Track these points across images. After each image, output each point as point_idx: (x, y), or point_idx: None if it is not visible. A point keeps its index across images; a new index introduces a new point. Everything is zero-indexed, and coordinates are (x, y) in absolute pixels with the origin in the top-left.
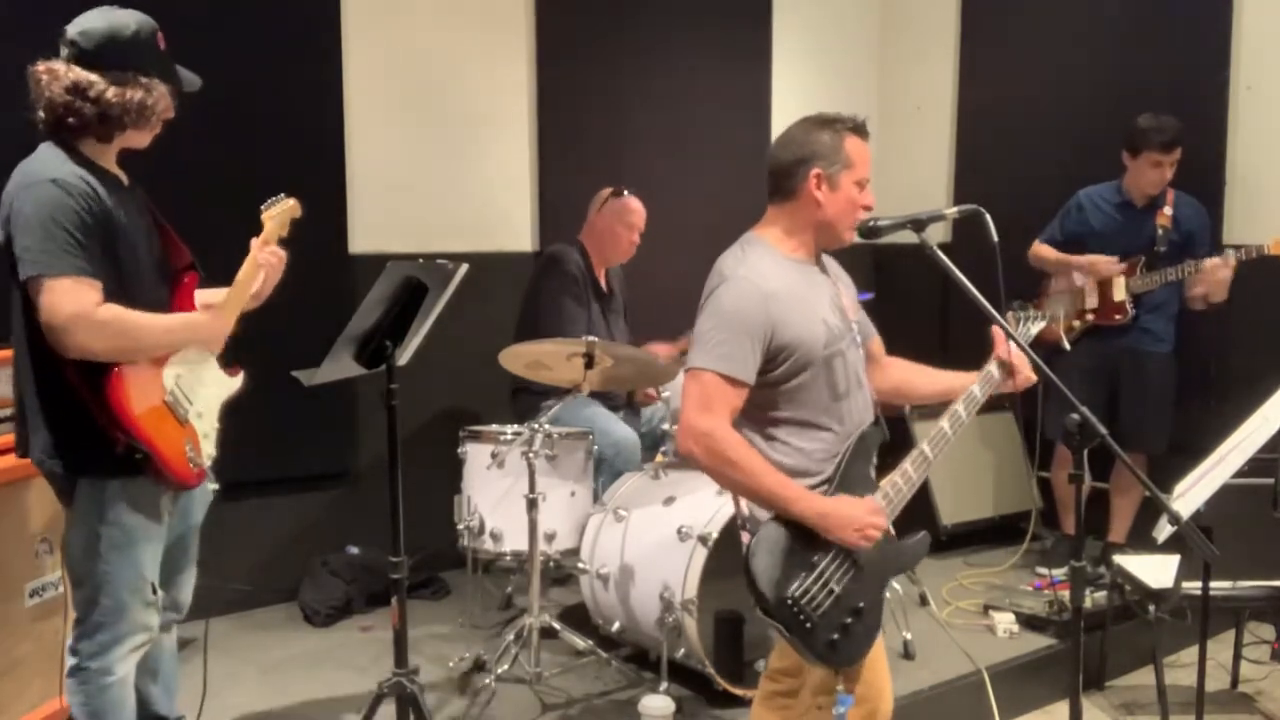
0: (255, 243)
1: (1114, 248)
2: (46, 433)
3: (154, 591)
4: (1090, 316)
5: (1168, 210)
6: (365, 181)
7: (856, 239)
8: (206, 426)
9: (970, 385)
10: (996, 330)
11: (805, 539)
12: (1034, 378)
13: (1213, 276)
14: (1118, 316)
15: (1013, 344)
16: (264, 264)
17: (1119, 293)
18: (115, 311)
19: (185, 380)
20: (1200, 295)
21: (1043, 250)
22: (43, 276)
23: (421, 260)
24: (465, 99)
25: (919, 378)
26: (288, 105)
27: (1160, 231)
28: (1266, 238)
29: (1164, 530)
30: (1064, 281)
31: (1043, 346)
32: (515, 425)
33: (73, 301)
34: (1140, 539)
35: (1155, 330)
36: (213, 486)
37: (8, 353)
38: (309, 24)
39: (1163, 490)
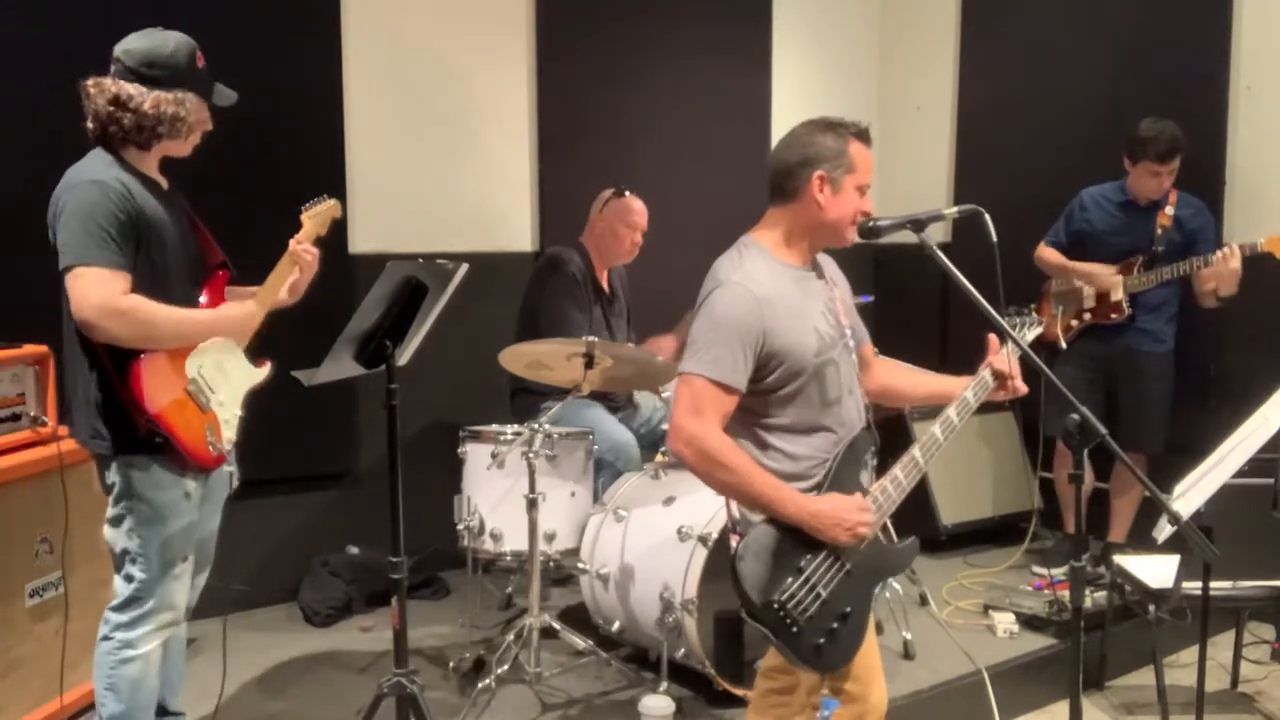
0: (293, 241)
1: (1116, 247)
2: (90, 415)
3: (184, 559)
4: (1087, 316)
5: (1169, 210)
6: (365, 181)
7: (856, 239)
8: (228, 414)
9: (962, 390)
10: (992, 337)
11: (793, 543)
12: (1025, 388)
13: (1225, 268)
14: (1114, 316)
15: (1006, 350)
16: (298, 260)
17: (1115, 292)
18: (137, 301)
19: (209, 369)
20: (1211, 290)
21: (1047, 254)
22: (76, 266)
23: (421, 260)
24: (465, 99)
25: (908, 380)
26: (288, 106)
27: (1160, 231)
28: (1262, 237)
29: (1164, 530)
30: (1063, 282)
31: (1041, 346)
32: (515, 425)
33: (100, 291)
34: (1140, 539)
35: (1153, 330)
36: (229, 469)
37: (7, 353)
38: (309, 24)
39: (1163, 490)
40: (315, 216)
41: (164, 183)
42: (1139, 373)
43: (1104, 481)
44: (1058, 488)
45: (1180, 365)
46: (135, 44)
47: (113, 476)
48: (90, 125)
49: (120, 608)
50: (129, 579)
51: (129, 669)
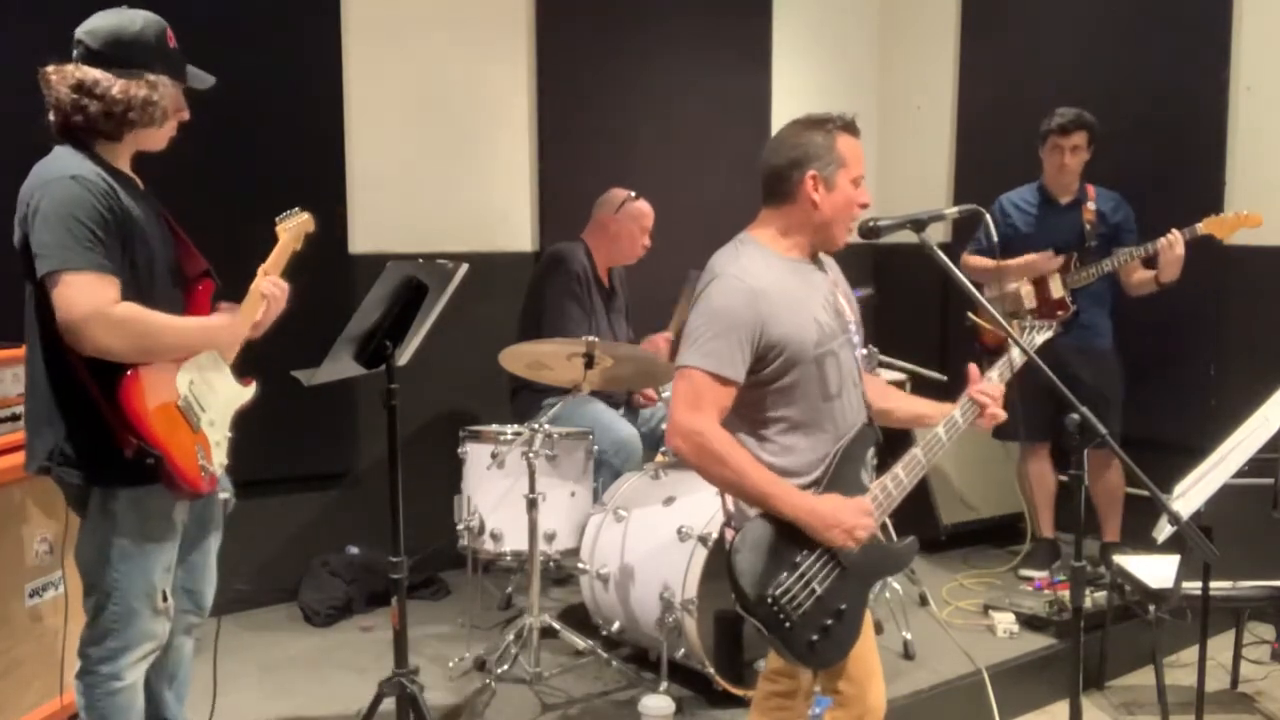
0: (260, 270)
1: (1042, 246)
2: (62, 439)
3: (164, 599)
4: (1031, 318)
5: (1091, 205)
6: (365, 181)
7: (855, 239)
8: (218, 435)
9: (941, 414)
10: (972, 368)
11: (789, 538)
12: (1002, 415)
13: (1171, 254)
14: (1060, 313)
15: (989, 377)
16: (267, 294)
17: (1056, 290)
18: (133, 309)
19: (198, 387)
20: (1149, 279)
21: (974, 260)
22: (61, 271)
23: (421, 260)
24: (465, 99)
25: (893, 400)
26: (288, 106)
27: (1088, 227)
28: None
29: (1164, 530)
30: (996, 288)
31: (988, 352)
32: (515, 425)
33: (91, 297)
34: (1140, 539)
35: (1095, 326)
36: (224, 494)
37: (7, 353)
38: (310, 24)
39: (1163, 490)
40: (290, 230)
41: (139, 181)
42: (1086, 370)
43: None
44: (1031, 482)
45: (1180, 365)
46: (99, 23)
47: (92, 505)
48: (52, 117)
49: (98, 643)
50: (99, 609)
51: (118, 699)
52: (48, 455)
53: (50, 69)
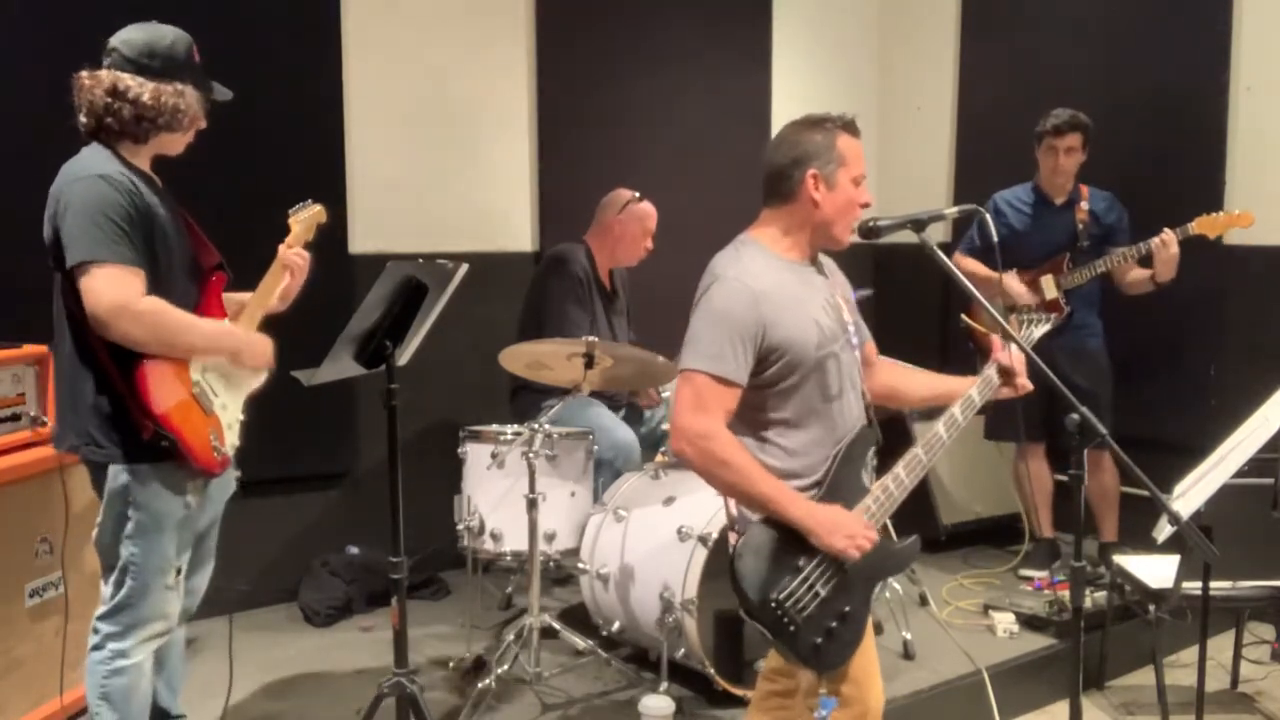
0: (282, 246)
1: (1039, 247)
2: (86, 419)
3: (177, 574)
4: (1027, 311)
5: (1085, 205)
6: (365, 181)
7: (855, 239)
8: (231, 417)
9: (967, 389)
10: (995, 340)
11: (792, 542)
12: (1030, 385)
13: (1165, 253)
14: (1053, 314)
15: (1014, 348)
16: (289, 265)
17: (1050, 291)
18: (158, 303)
19: (212, 372)
20: (1144, 278)
21: (967, 264)
22: (90, 263)
23: (421, 260)
24: (465, 99)
25: (912, 380)
26: (288, 106)
27: (1081, 227)
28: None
29: (1164, 530)
30: (988, 288)
31: (981, 351)
32: (515, 425)
33: (118, 289)
34: (1140, 539)
35: (1089, 325)
36: (235, 474)
37: (7, 353)
38: (310, 24)
39: (1163, 490)
40: (302, 221)
41: (157, 181)
42: (1079, 369)
43: (1063, 475)
44: (1032, 482)
45: (1180, 365)
46: (133, 35)
47: (109, 484)
48: (83, 119)
49: (110, 616)
50: (119, 586)
51: (122, 679)
52: (76, 435)
53: (84, 74)
